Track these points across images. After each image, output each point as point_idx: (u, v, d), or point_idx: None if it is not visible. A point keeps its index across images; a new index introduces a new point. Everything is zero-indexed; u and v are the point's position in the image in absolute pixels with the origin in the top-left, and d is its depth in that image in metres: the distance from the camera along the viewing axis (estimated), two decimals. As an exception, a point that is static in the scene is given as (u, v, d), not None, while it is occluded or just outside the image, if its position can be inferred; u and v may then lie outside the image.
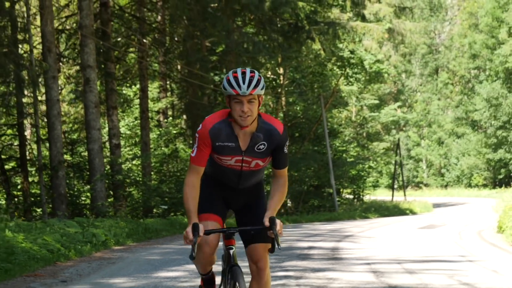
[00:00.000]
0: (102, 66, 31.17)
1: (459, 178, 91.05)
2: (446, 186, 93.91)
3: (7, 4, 26.68)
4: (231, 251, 6.30)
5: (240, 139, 6.12)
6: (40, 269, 13.14)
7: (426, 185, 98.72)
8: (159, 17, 37.46)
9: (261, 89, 5.96)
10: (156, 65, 39.15)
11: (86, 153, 30.43)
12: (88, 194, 29.44)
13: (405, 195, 71.10)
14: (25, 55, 28.31)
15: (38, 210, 28.76)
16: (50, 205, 27.83)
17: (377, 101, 63.58)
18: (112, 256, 16.06)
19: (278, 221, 5.99)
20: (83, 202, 30.31)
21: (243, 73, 5.95)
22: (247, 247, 6.34)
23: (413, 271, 12.39)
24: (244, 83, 5.88)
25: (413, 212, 52.14)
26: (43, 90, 28.41)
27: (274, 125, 6.15)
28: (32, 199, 29.07)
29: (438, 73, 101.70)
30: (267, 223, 5.97)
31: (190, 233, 5.90)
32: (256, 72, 6.01)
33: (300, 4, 36.00)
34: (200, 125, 6.11)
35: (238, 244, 6.39)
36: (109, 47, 31.17)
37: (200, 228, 5.89)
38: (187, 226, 5.99)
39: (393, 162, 75.23)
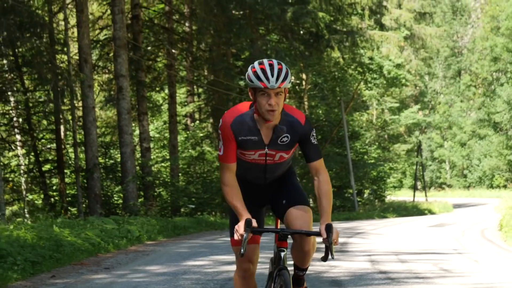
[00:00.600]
0: (134, 74, 33.26)
1: (481, 179, 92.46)
2: (468, 187, 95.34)
3: (47, 19, 28.96)
4: (282, 254, 6.02)
5: (262, 132, 5.94)
6: (84, 259, 15.26)
7: (449, 186, 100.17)
8: (187, 28, 39.53)
9: (289, 82, 5.79)
10: (184, 72, 41.28)
11: (118, 156, 32.61)
12: (121, 194, 31.52)
13: (426, 195, 72.76)
14: (62, 65, 30.45)
15: (73, 209, 30.88)
16: (84, 205, 29.95)
17: (397, 104, 65.29)
18: (145, 249, 18.19)
19: (335, 229, 5.74)
20: (115, 202, 32.40)
21: (271, 65, 5.75)
22: (286, 213, 6.16)
23: (405, 260, 14.40)
24: (272, 76, 5.69)
25: (431, 212, 53.84)
26: (79, 97, 30.48)
27: (296, 116, 5.98)
28: (69, 199, 31.27)
29: (461, 75, 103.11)
30: (323, 231, 5.71)
31: (242, 227, 5.66)
32: (283, 64, 5.82)
33: (320, 14, 37.93)
34: (221, 121, 5.94)
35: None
36: (140, 57, 33.31)
37: (253, 223, 5.69)
38: (239, 221, 5.77)
39: (418, 163, 76.91)
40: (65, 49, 29.87)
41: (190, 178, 38.68)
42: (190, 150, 40.89)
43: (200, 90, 44.31)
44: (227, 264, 13.64)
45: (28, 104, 31.60)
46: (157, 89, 41.80)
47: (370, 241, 20.38)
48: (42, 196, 32.48)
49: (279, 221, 6.30)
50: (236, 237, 5.69)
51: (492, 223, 29.91)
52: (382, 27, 47.73)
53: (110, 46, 33.68)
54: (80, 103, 30.44)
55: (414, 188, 72.79)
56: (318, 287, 10.61)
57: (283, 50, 38.52)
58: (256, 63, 5.77)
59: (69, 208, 30.78)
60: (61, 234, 16.16)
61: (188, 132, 42.57)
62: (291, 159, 6.26)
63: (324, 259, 5.64)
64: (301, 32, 40.18)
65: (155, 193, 33.38)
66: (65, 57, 30.62)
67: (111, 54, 33.12)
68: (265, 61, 5.77)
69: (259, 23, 39.63)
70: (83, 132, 30.05)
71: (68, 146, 33.31)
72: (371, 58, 50.68)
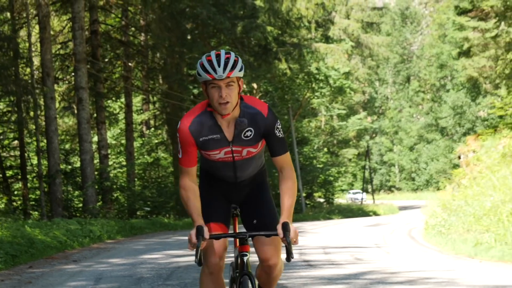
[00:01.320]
0: (92, 86, 35.59)
1: (428, 182, 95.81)
2: (416, 189, 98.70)
3: (8, 32, 31.26)
4: (245, 258, 5.77)
5: (224, 129, 5.62)
6: (54, 254, 17.70)
7: (398, 189, 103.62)
8: (142, 40, 41.98)
9: (239, 71, 5.44)
10: (139, 82, 43.72)
11: (76, 162, 34.94)
12: (81, 198, 33.86)
13: (373, 198, 75.85)
14: (25, 77, 32.71)
15: (34, 212, 33.12)
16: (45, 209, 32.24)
17: (345, 111, 68.21)
18: (106, 246, 20.69)
19: (292, 228, 5.49)
20: (76, 205, 34.74)
21: (218, 56, 5.43)
22: (254, 241, 5.92)
23: (329, 252, 17.08)
24: (219, 65, 5.36)
25: (376, 214, 56.79)
26: (42, 108, 32.76)
27: (258, 107, 5.63)
28: (32, 203, 33.55)
29: (410, 81, 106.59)
30: (280, 230, 5.45)
31: (194, 236, 5.42)
32: (232, 53, 5.50)
33: (269, 28, 40.70)
34: (179, 123, 5.63)
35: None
36: (99, 70, 35.71)
37: (205, 231, 5.44)
38: (192, 229, 5.54)
39: (366, 167, 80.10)
40: (29, 63, 32.11)
41: (146, 183, 41.20)
42: (145, 156, 43.44)
43: (155, 98, 46.73)
44: (178, 257, 16.17)
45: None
46: (113, 98, 44.13)
47: (306, 238, 23.02)
48: (5, 200, 34.64)
49: (236, 221, 6.10)
50: (188, 246, 5.44)
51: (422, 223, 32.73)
52: (328, 39, 50.47)
53: (70, 59, 35.98)
54: (43, 113, 32.72)
55: (362, 190, 75.91)
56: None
57: (233, 62, 41.13)
58: (204, 56, 5.49)
59: (31, 211, 33.03)
60: (33, 233, 18.59)
61: (143, 139, 45.07)
62: (262, 155, 5.96)
63: (288, 259, 5.36)
64: (251, 44, 42.74)
65: (113, 197, 35.77)
66: (28, 70, 32.87)
67: (71, 68, 35.44)
68: (212, 52, 5.49)
69: (210, 36, 42.20)
70: (45, 141, 32.33)
71: (31, 153, 35.53)
72: (317, 69, 53.48)
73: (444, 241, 19.23)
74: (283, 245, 5.52)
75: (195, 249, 5.38)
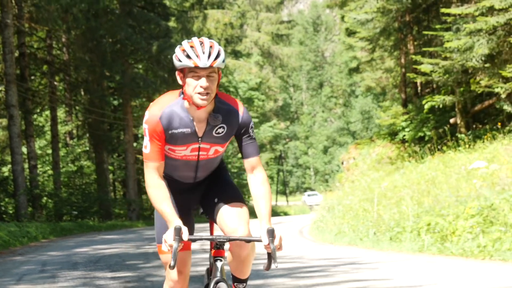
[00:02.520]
0: (21, 102, 39.52)
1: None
2: (331, 191, 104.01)
3: None
4: (219, 264, 5.31)
5: (195, 122, 5.26)
6: (1, 250, 21.90)
7: (313, 190, 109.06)
8: (65, 59, 46.02)
9: (222, 61, 5.10)
10: (63, 96, 47.73)
11: (5, 171, 38.87)
12: (13, 204, 37.79)
13: (287, 199, 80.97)
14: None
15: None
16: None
17: (257, 119, 73.00)
18: (43, 244, 24.94)
19: (278, 234, 5.09)
20: (9, 211, 38.65)
21: (201, 43, 5.06)
22: (217, 215, 5.55)
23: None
24: (204, 53, 4.99)
25: (287, 214, 61.67)
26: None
27: (233, 105, 5.31)
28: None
29: (323, 87, 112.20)
30: (264, 236, 5.02)
31: (171, 236, 4.91)
32: (215, 42, 5.16)
33: (181, 47, 45.14)
34: (146, 113, 5.22)
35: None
36: (27, 89, 39.71)
37: (183, 231, 4.93)
38: (166, 230, 5.12)
39: (281, 170, 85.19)
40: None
41: (71, 189, 45.26)
42: (70, 165, 47.49)
43: (78, 109, 50.61)
44: (103, 249, 20.54)
45: None
46: (39, 111, 47.96)
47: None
48: None
49: (214, 225, 5.69)
50: (164, 247, 4.99)
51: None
52: (236, 54, 55.07)
53: (0, 79, 39.84)
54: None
55: (276, 192, 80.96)
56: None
57: (150, 77, 45.52)
58: (184, 42, 5.14)
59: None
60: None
61: (67, 148, 49.09)
62: (221, 156, 5.66)
63: (267, 267, 5.02)
64: (166, 61, 47.05)
65: (42, 203, 39.77)
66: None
67: (2, 88, 39.30)
68: (195, 39, 5.14)
69: (128, 55, 46.42)
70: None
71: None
72: (229, 82, 58.16)
73: (320, 233, 23.98)
74: (266, 251, 5.03)
75: (171, 252, 4.87)
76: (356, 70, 45.62)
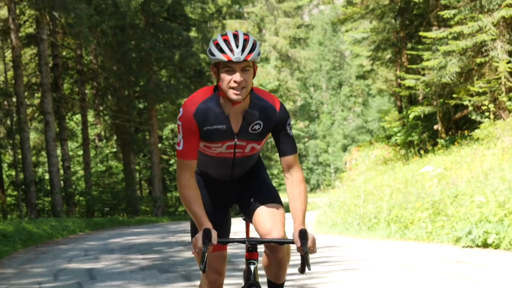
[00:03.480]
0: (56, 109, 43.55)
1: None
2: (333, 188, 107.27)
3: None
4: (252, 267, 5.19)
5: (231, 119, 5.10)
6: (46, 241, 25.82)
7: (333, 187, 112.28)
8: (94, 67, 49.99)
9: (257, 55, 4.95)
10: (91, 102, 51.78)
11: (40, 172, 42.90)
12: (50, 202, 41.84)
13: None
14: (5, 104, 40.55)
15: (12, 215, 40.98)
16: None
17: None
18: (80, 236, 28.87)
19: (310, 235, 4.89)
20: (47, 208, 42.71)
21: (235, 36, 4.91)
22: (253, 214, 5.40)
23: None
24: (237, 46, 4.83)
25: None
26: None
27: (270, 101, 5.14)
28: (11, 207, 41.46)
29: (342, 87, 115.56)
30: (296, 238, 4.84)
31: (200, 240, 4.82)
32: (250, 34, 5.04)
33: (202, 55, 48.92)
34: (181, 110, 5.07)
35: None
36: (61, 97, 43.71)
37: (212, 235, 4.83)
38: (197, 233, 4.97)
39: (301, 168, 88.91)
40: (6, 94, 39.97)
41: (101, 188, 49.29)
42: (98, 165, 51.55)
43: (106, 112, 54.50)
44: (134, 240, 24.36)
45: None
46: (70, 115, 51.98)
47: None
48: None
49: (250, 225, 5.56)
50: (193, 251, 4.90)
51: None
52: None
53: (37, 88, 43.88)
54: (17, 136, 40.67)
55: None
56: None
57: (173, 84, 49.36)
58: (218, 35, 4.97)
59: (8, 213, 40.87)
60: (28, 227, 26.68)
61: (96, 150, 53.13)
62: (260, 152, 5.43)
63: (302, 270, 4.81)
64: (187, 69, 50.78)
65: (76, 201, 43.80)
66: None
67: (39, 95, 43.34)
68: (229, 32, 4.95)
69: (153, 62, 50.24)
70: (20, 157, 40.25)
71: (5, 167, 43.39)
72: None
73: (319, 226, 27.68)
74: (299, 253, 4.88)
75: (200, 255, 4.79)
76: (362, 77, 49.09)
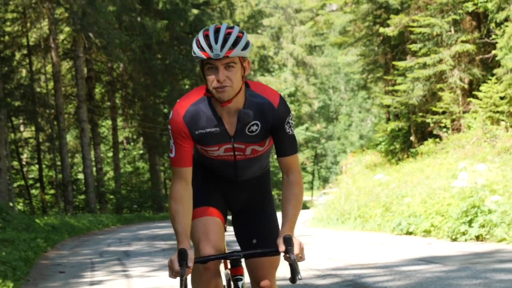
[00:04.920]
0: (91, 118, 49.31)
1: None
2: (330, 188, 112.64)
3: (26, 81, 44.85)
4: (240, 283, 4.66)
5: (225, 121, 4.60)
6: (86, 233, 31.52)
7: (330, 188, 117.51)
8: (124, 80, 55.77)
9: (242, 49, 4.39)
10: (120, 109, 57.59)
11: (74, 173, 48.81)
12: (84, 200, 47.69)
13: (312, 194, 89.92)
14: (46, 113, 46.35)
15: (51, 211, 46.78)
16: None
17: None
18: (113, 229, 34.60)
19: (296, 241, 4.39)
20: (80, 205, 48.55)
21: (217, 30, 4.41)
22: (247, 260, 4.89)
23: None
24: (216, 42, 4.33)
25: (305, 207, 70.44)
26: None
27: (268, 97, 4.57)
28: (49, 204, 47.30)
29: (359, 89, 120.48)
30: (281, 245, 4.35)
31: (176, 262, 4.34)
32: (235, 27, 4.48)
33: (221, 67, 54.45)
34: (171, 113, 4.60)
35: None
36: (94, 106, 49.50)
37: (189, 256, 4.34)
38: (173, 253, 4.42)
39: (317, 168, 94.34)
40: (47, 105, 45.74)
41: (129, 187, 55.11)
42: (127, 166, 57.36)
43: (133, 118, 60.07)
44: (158, 231, 29.96)
45: (16, 142, 47.56)
46: (101, 121, 57.71)
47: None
48: (27, 202, 48.12)
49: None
50: (170, 274, 4.41)
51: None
52: (268, 71, 64.30)
53: (74, 99, 49.69)
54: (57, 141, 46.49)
55: (311, 189, 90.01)
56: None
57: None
58: (201, 31, 4.49)
59: (48, 210, 46.63)
60: (70, 221, 32.43)
61: (125, 151, 58.91)
62: (269, 154, 4.97)
63: (292, 280, 4.34)
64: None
65: (107, 199, 49.62)
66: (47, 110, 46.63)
67: (74, 104, 49.14)
68: (212, 26, 4.47)
69: (176, 73, 55.84)
70: (59, 159, 46.06)
71: (45, 169, 49.26)
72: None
73: (313, 221, 33.15)
74: (287, 262, 4.38)
75: (179, 279, 4.28)
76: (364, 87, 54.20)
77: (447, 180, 20.24)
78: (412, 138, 33.11)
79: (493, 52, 27.01)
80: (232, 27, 4.45)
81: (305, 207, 70.04)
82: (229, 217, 5.23)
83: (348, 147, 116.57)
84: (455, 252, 14.18)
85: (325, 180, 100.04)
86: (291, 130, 4.61)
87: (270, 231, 4.94)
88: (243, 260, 4.72)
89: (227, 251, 4.85)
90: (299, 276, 4.30)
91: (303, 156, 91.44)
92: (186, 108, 4.58)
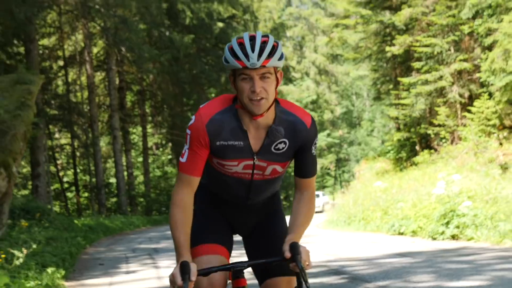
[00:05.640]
0: (122, 126, 52.28)
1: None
2: (343, 193, 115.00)
3: (62, 91, 47.88)
4: None
5: (250, 135, 4.30)
6: (119, 233, 34.38)
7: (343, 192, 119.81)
8: (153, 90, 58.74)
9: (279, 59, 4.15)
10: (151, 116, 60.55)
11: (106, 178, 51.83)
12: (116, 203, 50.67)
13: (333, 198, 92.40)
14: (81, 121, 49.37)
15: (86, 212, 49.78)
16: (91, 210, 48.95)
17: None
18: (144, 230, 37.48)
19: (303, 249, 4.15)
20: (112, 207, 51.53)
21: (252, 38, 4.14)
22: (262, 283, 4.67)
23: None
24: (253, 51, 4.07)
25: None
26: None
27: (299, 115, 4.31)
28: (83, 206, 50.34)
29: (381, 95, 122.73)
30: (287, 252, 4.12)
31: (179, 276, 4.04)
32: (270, 36, 4.21)
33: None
34: (193, 118, 4.30)
35: (252, 282, 4.98)
36: (126, 115, 52.49)
37: (191, 269, 4.04)
38: (175, 267, 4.12)
39: (339, 173, 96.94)
40: (82, 115, 48.70)
41: (158, 191, 58.07)
42: (156, 170, 60.32)
43: (163, 126, 62.95)
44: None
45: (53, 148, 50.65)
46: (132, 128, 60.66)
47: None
48: (63, 204, 51.10)
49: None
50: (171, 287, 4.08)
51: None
52: (290, 80, 66.97)
53: (107, 108, 52.71)
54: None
55: (333, 193, 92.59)
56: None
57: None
58: (234, 39, 4.21)
59: (82, 212, 49.65)
60: (105, 222, 35.34)
61: (154, 156, 61.86)
62: (282, 178, 4.64)
63: None
64: (232, 90, 58.92)
65: (138, 202, 52.60)
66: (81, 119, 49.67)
67: (107, 113, 52.15)
68: (246, 34, 4.20)
69: (203, 83, 58.62)
70: (93, 164, 49.05)
71: (80, 173, 52.34)
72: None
73: (327, 224, 35.81)
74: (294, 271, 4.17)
75: None
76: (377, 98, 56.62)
77: (431, 187, 22.96)
78: (417, 147, 35.67)
79: (477, 74, 29.77)
80: (267, 35, 4.20)
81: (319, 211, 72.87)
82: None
83: (370, 152, 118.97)
84: (429, 249, 16.94)
85: (347, 181, 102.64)
86: (316, 152, 4.40)
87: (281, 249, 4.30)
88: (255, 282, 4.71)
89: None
90: (307, 285, 4.05)
91: (326, 161, 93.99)
92: (211, 116, 4.26)
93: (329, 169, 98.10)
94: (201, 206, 4.66)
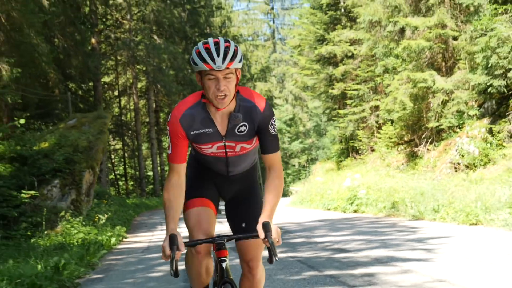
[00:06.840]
0: (157, 137, 56.43)
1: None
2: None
3: (117, 113, 52.02)
4: (224, 264, 4.24)
5: (217, 122, 4.10)
6: (155, 208, 38.46)
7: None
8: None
9: (239, 61, 3.90)
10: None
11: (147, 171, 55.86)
12: (151, 192, 54.78)
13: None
14: (129, 133, 53.54)
15: (132, 195, 53.89)
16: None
17: (292, 138, 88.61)
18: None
19: (274, 227, 3.91)
20: (150, 192, 55.56)
21: (216, 44, 3.86)
22: (237, 242, 4.37)
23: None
24: (218, 55, 3.81)
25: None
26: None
27: (255, 101, 4.08)
28: (130, 190, 54.44)
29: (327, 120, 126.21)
30: (260, 230, 3.88)
31: (167, 246, 3.84)
32: (231, 41, 3.91)
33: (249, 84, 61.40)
34: (169, 116, 4.10)
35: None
36: (159, 129, 56.72)
37: (178, 240, 3.85)
38: (164, 239, 3.87)
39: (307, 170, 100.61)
40: (128, 129, 52.94)
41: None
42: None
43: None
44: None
45: (110, 151, 54.81)
46: (164, 138, 64.63)
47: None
48: (116, 189, 55.15)
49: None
50: (162, 257, 3.86)
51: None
52: (273, 106, 70.29)
53: (147, 125, 56.88)
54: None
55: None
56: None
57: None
58: (200, 43, 3.91)
59: (129, 195, 53.74)
60: (146, 202, 39.48)
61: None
62: (256, 151, 4.43)
63: (270, 261, 3.86)
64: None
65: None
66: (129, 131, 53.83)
67: (146, 128, 56.27)
68: (210, 39, 3.89)
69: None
70: (137, 162, 53.16)
71: (128, 168, 56.46)
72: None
73: (291, 204, 39.92)
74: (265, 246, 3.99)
75: (169, 261, 3.80)
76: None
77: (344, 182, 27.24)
78: (350, 155, 39.98)
79: (379, 112, 33.01)
80: (228, 41, 3.87)
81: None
82: (222, 207, 4.58)
83: (330, 154, 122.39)
84: (338, 218, 21.19)
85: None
86: (274, 131, 4.07)
87: (257, 216, 4.18)
88: (232, 242, 4.41)
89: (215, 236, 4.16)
90: (276, 258, 3.75)
91: (301, 160, 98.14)
92: (183, 112, 4.05)
93: (303, 166, 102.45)
94: (195, 172, 4.49)
